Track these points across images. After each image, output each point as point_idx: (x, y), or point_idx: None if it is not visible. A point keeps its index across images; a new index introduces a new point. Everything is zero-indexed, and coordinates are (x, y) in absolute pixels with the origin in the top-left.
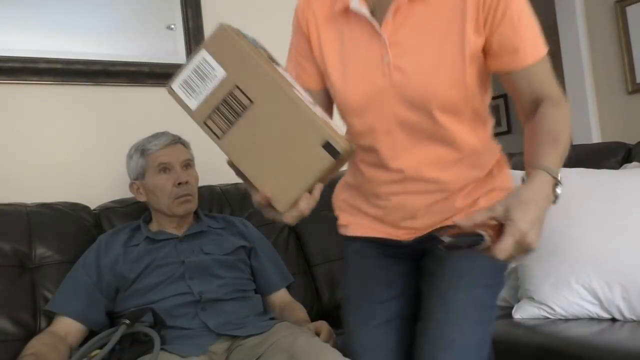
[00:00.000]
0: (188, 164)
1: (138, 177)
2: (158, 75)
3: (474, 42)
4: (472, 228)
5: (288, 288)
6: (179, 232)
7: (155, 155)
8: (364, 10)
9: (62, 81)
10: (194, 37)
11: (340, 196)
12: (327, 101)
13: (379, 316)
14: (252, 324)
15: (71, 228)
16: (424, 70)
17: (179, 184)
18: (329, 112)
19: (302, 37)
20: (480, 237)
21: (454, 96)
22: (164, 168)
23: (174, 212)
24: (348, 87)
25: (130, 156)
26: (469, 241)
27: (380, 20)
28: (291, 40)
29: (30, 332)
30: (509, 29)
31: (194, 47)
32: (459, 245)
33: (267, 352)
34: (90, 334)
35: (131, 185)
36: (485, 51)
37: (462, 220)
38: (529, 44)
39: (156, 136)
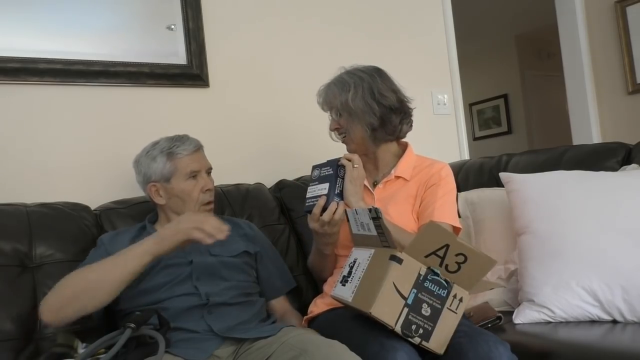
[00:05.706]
0: (210, 171)
1: (161, 180)
2: (158, 75)
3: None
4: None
5: (289, 292)
6: None
7: (185, 161)
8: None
9: (62, 81)
10: (194, 37)
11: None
12: None
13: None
14: (257, 328)
15: (71, 228)
16: (393, 216)
17: (207, 190)
18: None
19: None
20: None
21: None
22: (194, 175)
23: None
24: None
25: (152, 158)
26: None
27: (372, 186)
28: None
29: (31, 332)
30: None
31: (194, 47)
32: None
33: (277, 351)
34: (93, 335)
35: (150, 187)
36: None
37: None
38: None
39: (180, 140)
